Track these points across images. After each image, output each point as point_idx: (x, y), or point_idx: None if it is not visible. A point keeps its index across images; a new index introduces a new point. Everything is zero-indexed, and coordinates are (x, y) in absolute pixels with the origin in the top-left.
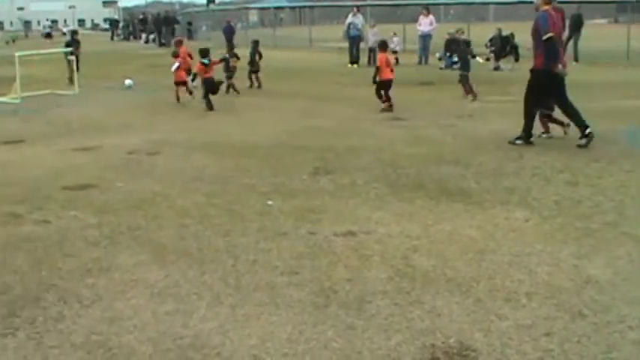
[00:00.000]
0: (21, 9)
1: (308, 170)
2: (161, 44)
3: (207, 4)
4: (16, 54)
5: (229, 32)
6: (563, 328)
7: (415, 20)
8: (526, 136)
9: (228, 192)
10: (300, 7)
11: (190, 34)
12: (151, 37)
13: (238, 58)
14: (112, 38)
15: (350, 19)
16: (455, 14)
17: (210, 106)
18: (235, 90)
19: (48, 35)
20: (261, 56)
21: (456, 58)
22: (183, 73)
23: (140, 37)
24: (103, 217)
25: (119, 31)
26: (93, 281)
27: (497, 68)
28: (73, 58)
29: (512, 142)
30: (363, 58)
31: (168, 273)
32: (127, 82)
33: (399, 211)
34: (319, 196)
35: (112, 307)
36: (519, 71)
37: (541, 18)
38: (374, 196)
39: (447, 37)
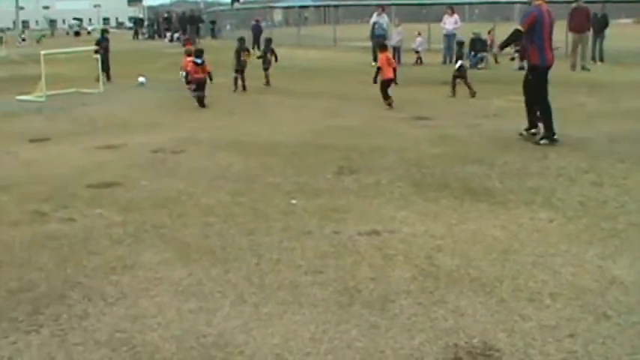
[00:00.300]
0: (46, 8)
1: (332, 169)
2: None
3: (232, 3)
4: (42, 52)
5: (257, 31)
6: (587, 330)
7: (440, 19)
8: (549, 134)
9: (252, 191)
10: (324, 6)
11: (214, 33)
12: (176, 35)
13: (249, 52)
14: (134, 37)
15: (375, 18)
16: (480, 13)
17: (201, 103)
18: (243, 86)
19: (77, 33)
20: (276, 57)
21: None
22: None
23: (165, 36)
24: (128, 215)
25: (144, 30)
26: (117, 279)
27: (521, 68)
28: (97, 56)
29: (537, 143)
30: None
31: (192, 271)
32: (140, 79)
33: (424, 211)
34: (343, 196)
35: (136, 305)
36: None
37: (526, 14)
38: (398, 195)
39: (472, 36)
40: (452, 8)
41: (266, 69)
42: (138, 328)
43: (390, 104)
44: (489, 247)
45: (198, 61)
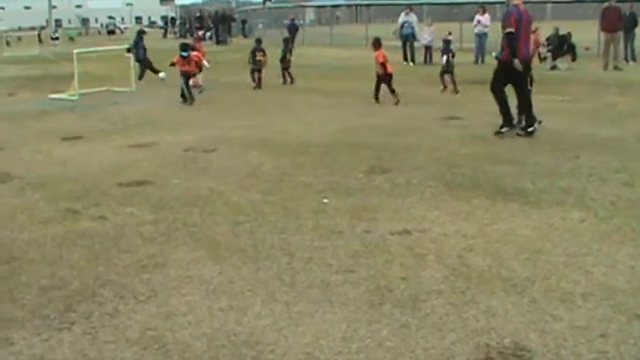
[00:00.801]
0: (79, 7)
1: (364, 169)
2: (218, 42)
3: (264, 2)
4: (74, 51)
5: (293, 29)
6: (619, 330)
7: (472, 19)
8: (507, 122)
9: (283, 190)
10: (356, 5)
11: (244, 32)
12: (208, 34)
13: (265, 53)
14: (164, 36)
15: (403, 17)
16: None
17: (187, 98)
18: (259, 85)
19: (111, 32)
20: (291, 53)
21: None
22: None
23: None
24: (159, 213)
25: (175, 29)
26: (148, 277)
27: (554, 67)
28: (130, 55)
29: (498, 132)
30: (419, 57)
31: (223, 269)
32: (161, 74)
33: (455, 210)
34: (375, 195)
35: (167, 303)
36: (576, 70)
37: (506, 13)
38: (429, 195)
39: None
40: (483, 7)
41: (286, 68)
42: (169, 327)
43: (397, 100)
44: (521, 247)
45: (184, 54)
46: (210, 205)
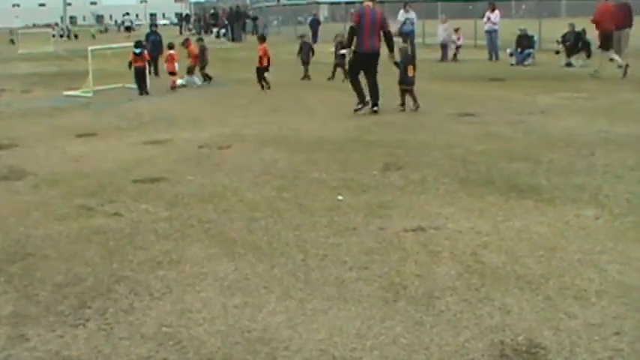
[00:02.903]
0: (94, 3)
1: (378, 166)
2: (233, 39)
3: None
4: (89, 48)
5: (315, 25)
6: (633, 328)
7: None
8: (360, 101)
9: (297, 186)
10: None
11: (256, 29)
12: (222, 31)
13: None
14: (180, 32)
15: (403, 15)
16: (526, 9)
17: (142, 92)
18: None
19: (127, 29)
20: (313, 52)
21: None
22: (173, 65)
23: (211, 32)
24: (174, 210)
25: (190, 26)
26: (163, 274)
27: (569, 64)
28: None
29: (356, 110)
30: (432, 54)
31: (238, 266)
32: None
33: (469, 207)
34: (389, 192)
35: (181, 300)
36: (591, 67)
37: (355, 11)
38: (444, 192)
39: (519, 32)
40: (493, 5)
41: (306, 63)
42: (184, 323)
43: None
44: (535, 244)
45: (137, 51)
46: (225, 201)
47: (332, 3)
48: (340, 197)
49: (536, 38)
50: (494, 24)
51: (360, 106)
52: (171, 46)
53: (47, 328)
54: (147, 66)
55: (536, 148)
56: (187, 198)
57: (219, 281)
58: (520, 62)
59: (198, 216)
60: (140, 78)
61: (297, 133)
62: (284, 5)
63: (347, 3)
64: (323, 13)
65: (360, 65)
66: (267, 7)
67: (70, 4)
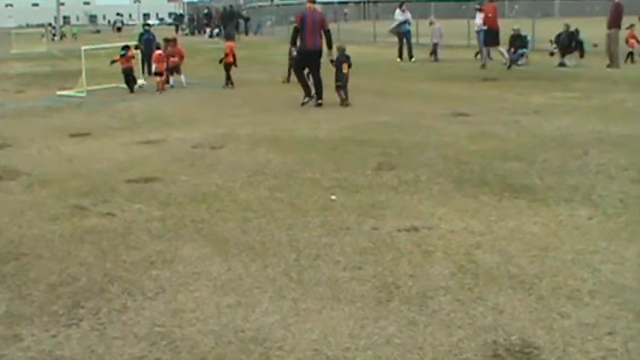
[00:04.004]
0: (87, 4)
1: (372, 165)
2: (227, 39)
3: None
4: (82, 48)
5: None
6: (626, 327)
7: None
8: (306, 95)
9: (291, 186)
10: (364, 2)
11: (246, 29)
12: (215, 31)
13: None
14: (176, 32)
15: (401, 15)
16: (519, 9)
17: (131, 90)
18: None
19: (118, 29)
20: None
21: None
22: (163, 65)
23: (204, 32)
24: (167, 210)
25: (183, 26)
26: (156, 273)
27: (562, 64)
28: (137, 52)
29: (303, 103)
30: (425, 54)
31: (231, 266)
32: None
33: (463, 207)
34: (383, 192)
35: (175, 300)
36: (585, 67)
37: (298, 13)
38: (437, 191)
39: (512, 32)
40: (480, 5)
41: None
42: (177, 323)
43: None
44: (528, 244)
45: (122, 52)
46: (218, 201)
47: (325, 3)
48: (333, 197)
49: (529, 38)
50: (484, 24)
51: (306, 100)
52: (159, 47)
53: (41, 328)
54: (133, 66)
55: (530, 148)
56: (181, 198)
57: (212, 281)
58: (514, 62)
59: (192, 216)
60: (129, 79)
61: (291, 133)
62: (277, 5)
63: (340, 3)
64: None
65: (303, 62)
66: (260, 7)
67: (63, 4)
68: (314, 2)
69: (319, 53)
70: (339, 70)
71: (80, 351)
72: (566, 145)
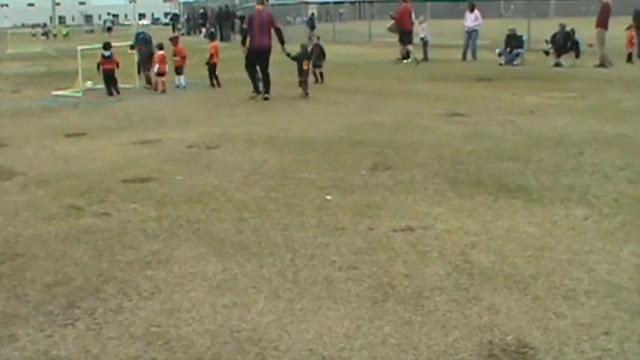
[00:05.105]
0: (82, 3)
1: (367, 165)
2: (222, 39)
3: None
4: (78, 48)
5: (312, 23)
6: (622, 327)
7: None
8: (255, 89)
9: (286, 186)
10: (359, 2)
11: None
12: (203, 31)
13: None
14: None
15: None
16: (515, 9)
17: (109, 92)
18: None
19: (109, 29)
20: (324, 55)
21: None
22: (165, 66)
23: (200, 32)
24: (163, 210)
25: (179, 26)
26: (152, 273)
27: (557, 64)
28: (134, 52)
29: (251, 98)
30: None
31: (227, 266)
32: (88, 83)
33: (458, 207)
34: (378, 192)
35: (170, 300)
36: (580, 67)
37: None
38: (433, 192)
39: (508, 32)
40: (472, 5)
41: (318, 66)
42: (172, 323)
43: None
44: (524, 244)
45: (106, 53)
46: (214, 201)
47: (321, 3)
48: (329, 197)
49: (525, 38)
50: (476, 24)
51: (254, 94)
52: (161, 47)
53: (36, 328)
54: (115, 68)
55: (526, 147)
56: (176, 198)
57: (207, 281)
58: (509, 62)
59: (187, 216)
60: (108, 80)
61: (286, 133)
62: (273, 5)
63: (335, 3)
64: (308, 13)
65: (253, 59)
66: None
67: (58, 4)
68: (262, 4)
69: (267, 51)
70: (300, 66)
71: (76, 351)
72: (562, 145)
